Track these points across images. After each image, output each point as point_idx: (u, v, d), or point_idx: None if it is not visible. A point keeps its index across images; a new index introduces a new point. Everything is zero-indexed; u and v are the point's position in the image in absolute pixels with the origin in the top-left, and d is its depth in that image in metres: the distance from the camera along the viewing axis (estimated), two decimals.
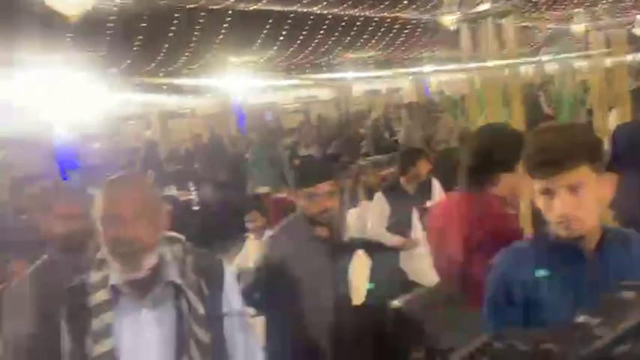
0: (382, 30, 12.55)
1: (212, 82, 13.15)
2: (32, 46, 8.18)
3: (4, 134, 12.60)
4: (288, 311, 1.95)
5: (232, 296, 1.35)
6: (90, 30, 8.30)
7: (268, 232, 4.08)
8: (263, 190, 6.62)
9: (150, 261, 1.21)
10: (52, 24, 7.64)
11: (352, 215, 4.10)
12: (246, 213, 4.05)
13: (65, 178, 10.04)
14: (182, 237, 1.34)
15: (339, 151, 9.09)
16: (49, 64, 8.73)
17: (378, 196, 3.39)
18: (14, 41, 7.97)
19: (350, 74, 16.80)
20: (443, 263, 1.98)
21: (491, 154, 1.72)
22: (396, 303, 1.26)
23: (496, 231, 1.58)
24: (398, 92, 21.02)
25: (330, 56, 14.72)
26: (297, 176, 2.00)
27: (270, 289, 1.98)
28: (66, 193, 1.70)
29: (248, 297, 2.04)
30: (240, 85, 13.45)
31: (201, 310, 1.23)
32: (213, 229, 6.29)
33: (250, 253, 4.01)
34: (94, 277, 1.24)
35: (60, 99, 9.29)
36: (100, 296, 1.22)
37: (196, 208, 7.40)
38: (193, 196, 7.63)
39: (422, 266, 3.30)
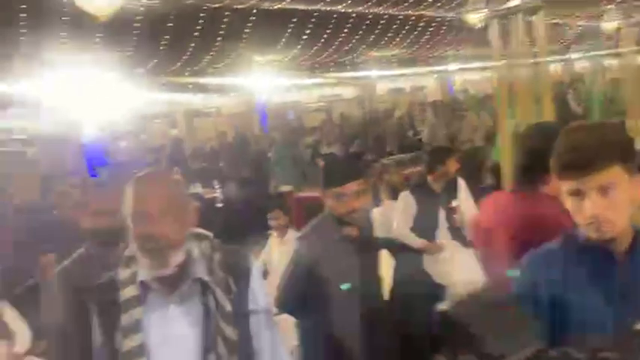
0: (406, 28, 12.45)
1: (236, 81, 13.25)
2: (62, 46, 8.38)
3: (35, 132, 12.95)
4: (320, 312, 1.93)
5: (259, 293, 1.35)
6: (118, 30, 8.46)
7: (291, 231, 4.11)
8: (285, 188, 6.65)
9: (177, 257, 1.21)
10: (81, 24, 7.82)
11: (375, 215, 4.07)
12: (269, 211, 4.07)
13: (93, 176, 10.26)
14: (210, 234, 1.34)
15: (362, 149, 9.05)
16: (78, 63, 8.92)
17: (405, 194, 3.33)
18: (45, 41, 8.17)
19: (374, 72, 16.73)
20: (493, 263, 1.92)
21: (544, 154, 1.67)
22: (442, 306, 1.23)
23: (549, 230, 1.53)
24: (422, 90, 20.82)
25: (354, 54, 14.68)
26: (324, 176, 1.97)
27: (301, 290, 1.96)
28: (102, 189, 1.72)
29: (281, 299, 2.03)
30: (264, 83, 13.52)
31: (228, 307, 1.23)
32: (236, 227, 6.34)
33: (273, 250, 4.03)
34: (123, 273, 1.26)
35: (89, 98, 9.49)
36: (129, 292, 1.23)
37: (220, 205, 7.46)
38: (218, 193, 7.71)
39: (447, 269, 3.26)
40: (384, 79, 18.95)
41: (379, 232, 3.93)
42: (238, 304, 1.26)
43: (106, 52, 9.38)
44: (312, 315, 1.96)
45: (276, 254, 3.98)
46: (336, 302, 1.90)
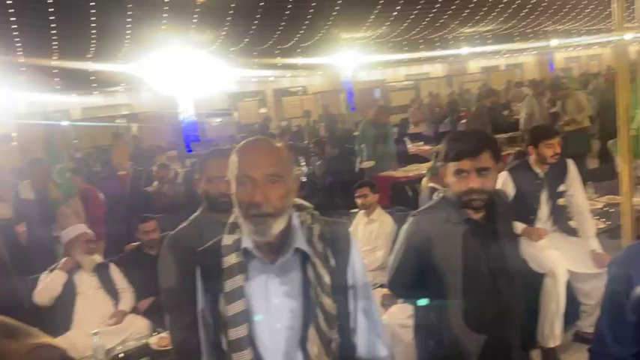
0: (504, 2, 11.67)
1: (324, 60, 13.27)
2: (162, 27, 8.85)
3: (137, 109, 13.95)
4: (435, 298, 1.79)
5: (358, 269, 1.30)
6: (213, 11, 8.76)
7: (379, 209, 4.06)
8: (369, 165, 6.59)
9: (279, 226, 1.19)
10: (180, 6, 8.19)
11: None
12: (356, 189, 4.04)
13: (189, 151, 10.87)
14: (310, 205, 1.33)
15: (451, 129, 8.71)
16: (177, 44, 9.38)
17: (503, 176, 3.07)
18: (147, 23, 8.67)
19: (465, 50, 15.98)
20: None
21: None
22: None
23: None
24: (519, 68, 19.59)
25: (445, 31, 14.08)
26: (446, 151, 1.76)
27: (412, 274, 1.82)
28: (218, 156, 1.74)
29: (392, 281, 1.90)
30: (351, 62, 13.42)
31: (327, 279, 1.21)
32: (322, 204, 6.40)
33: (359, 228, 4.01)
34: (227, 240, 1.25)
35: (186, 77, 9.99)
36: (232, 259, 1.22)
37: (305, 181, 7.56)
38: (303, 170, 7.81)
39: (546, 257, 3.03)
40: (477, 56, 18.05)
41: None
42: (337, 278, 1.23)
43: (202, 32, 9.77)
44: (429, 300, 1.80)
45: (362, 232, 3.95)
46: (452, 289, 1.73)
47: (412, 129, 9.63)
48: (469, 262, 1.73)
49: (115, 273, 3.49)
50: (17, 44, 8.52)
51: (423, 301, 1.84)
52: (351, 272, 1.29)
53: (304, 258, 1.24)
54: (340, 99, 14.71)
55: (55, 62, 9.85)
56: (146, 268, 3.69)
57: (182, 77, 9.93)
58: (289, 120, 14.45)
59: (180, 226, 1.87)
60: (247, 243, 1.23)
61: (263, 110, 15.60)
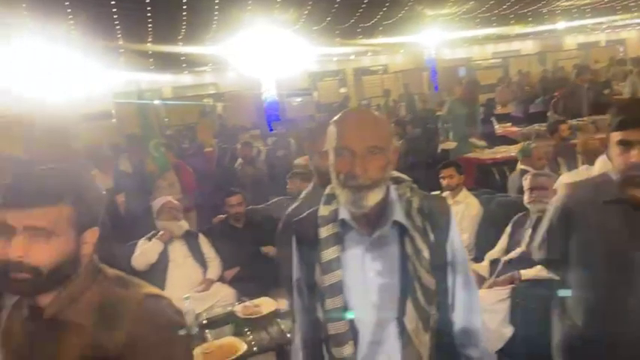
0: None
1: (406, 38, 12.91)
2: (248, 7, 9.03)
3: (223, 89, 14.46)
4: (583, 276, 1.60)
5: (457, 244, 1.26)
6: None
7: (464, 190, 3.91)
8: (452, 146, 6.35)
9: (375, 197, 1.17)
10: None
11: (563, 181, 3.64)
12: (441, 169, 3.92)
13: (271, 130, 11.14)
14: (408, 178, 1.30)
15: (543, 109, 8.16)
16: (261, 23, 9.55)
17: (603, 159, 2.84)
18: (232, 3, 8.89)
19: (562, 24, 14.82)
20: None
21: None
22: None
23: None
24: (621, 45, 17.89)
25: (539, 5, 13.12)
26: (610, 119, 1.54)
27: (562, 247, 1.65)
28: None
29: (543, 255, 1.72)
30: (434, 39, 12.95)
31: (426, 253, 1.17)
32: None
33: None
34: (324, 210, 1.25)
35: (268, 57, 10.17)
36: (329, 230, 1.22)
37: None
38: None
39: None
40: (574, 31, 16.70)
41: None
42: (435, 254, 1.19)
43: (286, 11, 9.85)
44: (575, 278, 1.63)
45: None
46: (594, 276, 1.54)
47: (499, 109, 9.16)
48: (619, 247, 1.52)
49: (204, 243, 3.67)
50: (117, 28, 9.10)
51: (564, 292, 1.68)
52: (450, 248, 1.24)
53: (402, 231, 1.21)
54: (423, 78, 14.28)
55: (149, 46, 10.42)
56: (232, 239, 3.86)
57: (265, 57, 10.12)
58: (369, 99, 14.29)
59: (294, 205, 1.88)
60: (344, 214, 1.22)
61: (343, 90, 15.54)
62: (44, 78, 7.43)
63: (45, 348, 1.03)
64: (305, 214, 1.33)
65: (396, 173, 1.28)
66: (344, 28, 11.81)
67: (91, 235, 1.08)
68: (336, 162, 1.20)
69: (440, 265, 1.21)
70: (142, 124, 5.26)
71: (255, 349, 2.48)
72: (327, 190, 1.28)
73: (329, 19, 10.93)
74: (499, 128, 7.85)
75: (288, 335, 2.61)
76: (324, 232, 1.23)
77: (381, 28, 12.43)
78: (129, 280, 1.14)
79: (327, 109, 13.00)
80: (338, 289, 1.20)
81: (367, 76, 15.98)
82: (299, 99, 13.61)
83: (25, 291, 1.01)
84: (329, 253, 1.21)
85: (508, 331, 2.74)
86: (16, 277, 0.98)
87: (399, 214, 1.21)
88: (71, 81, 7.93)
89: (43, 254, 0.99)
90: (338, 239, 1.22)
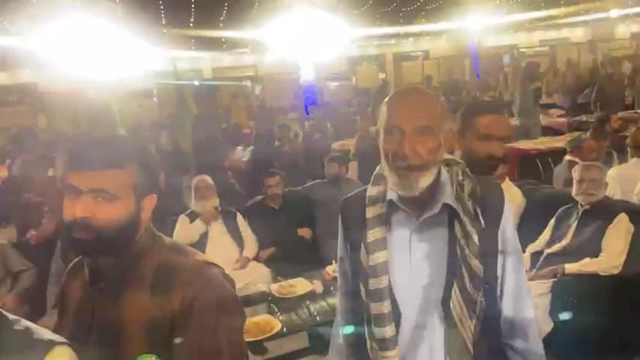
0: None
1: (449, 25, 12.56)
2: None
3: (262, 71, 14.52)
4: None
5: (509, 232, 1.19)
6: None
7: (507, 181, 3.79)
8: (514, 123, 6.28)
9: (426, 180, 1.13)
10: None
11: (612, 175, 3.50)
12: None
13: (307, 113, 11.13)
14: (461, 161, 1.24)
15: (592, 101, 7.84)
16: (301, 4, 9.48)
17: None
18: None
19: (615, 12, 14.10)
20: None
21: None
22: None
23: None
24: None
25: None
26: None
27: None
28: (489, 111, 1.66)
29: None
30: (478, 25, 12.55)
31: (476, 239, 1.13)
32: None
33: None
34: (372, 190, 1.22)
35: (307, 40, 10.11)
36: (376, 210, 1.20)
37: None
38: None
39: None
40: (628, 20, 15.88)
41: (615, 193, 3.37)
42: (486, 239, 1.14)
43: None
44: None
45: None
46: None
47: (545, 99, 8.86)
48: None
49: (241, 222, 3.71)
50: (160, 9, 9.21)
51: None
52: (502, 235, 1.19)
53: (452, 215, 1.17)
54: (465, 65, 13.93)
55: (192, 31, 10.51)
56: (268, 220, 3.88)
57: (304, 41, 10.06)
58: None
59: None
60: (392, 195, 1.19)
61: (382, 75, 15.33)
62: (91, 56, 7.62)
63: (105, 312, 1.06)
64: (353, 192, 1.31)
65: (448, 155, 1.24)
66: (385, 12, 11.59)
67: (150, 202, 1.10)
68: (384, 142, 1.17)
69: (490, 253, 1.16)
70: (178, 104, 5.34)
71: (284, 329, 2.50)
72: (377, 170, 1.25)
73: (370, 2, 10.75)
74: (544, 118, 7.60)
75: (318, 318, 2.64)
76: (371, 212, 1.21)
77: (423, 13, 12.13)
78: (186, 248, 1.16)
79: (365, 94, 12.87)
80: (383, 270, 1.18)
81: (407, 62, 15.69)
82: (337, 83, 13.52)
83: (87, 251, 1.04)
84: (375, 234, 1.19)
85: (547, 326, 2.66)
86: (80, 236, 1.01)
87: (449, 197, 1.16)
88: (116, 60, 8.10)
89: (106, 216, 1.01)
90: (385, 220, 1.20)
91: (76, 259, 1.19)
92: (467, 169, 1.22)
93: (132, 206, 1.05)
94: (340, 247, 1.33)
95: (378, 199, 1.22)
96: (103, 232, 1.01)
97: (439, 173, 1.18)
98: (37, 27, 6.93)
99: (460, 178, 1.18)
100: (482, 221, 1.15)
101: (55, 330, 1.07)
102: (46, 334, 0.91)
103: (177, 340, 1.03)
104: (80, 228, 1.00)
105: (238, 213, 3.78)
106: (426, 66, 15.11)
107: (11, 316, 1.00)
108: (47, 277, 3.17)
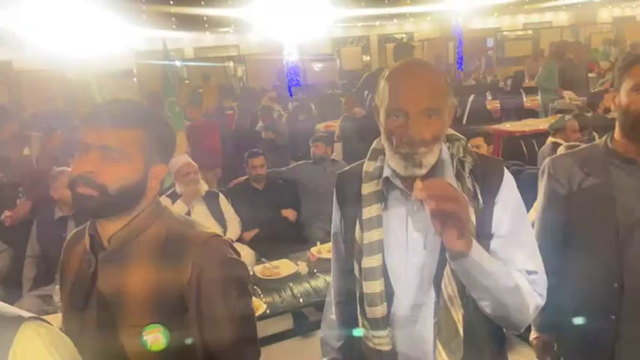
0: None
1: (434, 7, 12.45)
2: None
3: (245, 51, 14.27)
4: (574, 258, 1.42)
5: (504, 215, 1.12)
6: None
7: None
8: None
9: (430, 161, 1.07)
10: None
11: None
12: (469, 138, 3.81)
13: (291, 95, 10.99)
14: (463, 136, 1.17)
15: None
16: None
17: None
18: None
19: None
20: None
21: None
22: None
23: None
24: None
25: None
26: (624, 62, 1.36)
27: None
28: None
29: None
30: (463, 7, 12.48)
31: (473, 218, 1.07)
32: None
33: None
34: (368, 166, 1.18)
35: (291, 20, 9.93)
36: (372, 187, 1.15)
37: None
38: None
39: None
40: (609, 4, 15.96)
41: None
42: (482, 219, 1.09)
43: None
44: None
45: None
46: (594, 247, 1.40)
47: (529, 82, 8.91)
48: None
49: (224, 203, 3.65)
50: None
51: None
52: (497, 217, 1.12)
53: None
54: (449, 47, 13.88)
55: (172, 9, 10.22)
56: (252, 201, 3.83)
57: (289, 21, 9.89)
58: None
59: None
60: (388, 172, 1.14)
61: (366, 58, 15.22)
62: (68, 34, 7.38)
63: (107, 279, 1.04)
64: (349, 167, 1.26)
65: (449, 130, 1.17)
66: None
67: (159, 171, 1.08)
68: (386, 123, 1.09)
69: (485, 232, 1.11)
70: (164, 81, 5.20)
71: (267, 311, 2.47)
72: (374, 145, 1.20)
73: None
74: (528, 101, 7.64)
75: (301, 300, 2.61)
76: (367, 188, 1.16)
77: None
78: (193, 221, 1.15)
79: (349, 76, 12.77)
80: (377, 248, 1.14)
81: (391, 44, 15.57)
82: (321, 64, 13.37)
83: (89, 208, 1.01)
84: (370, 211, 1.15)
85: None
86: (84, 191, 0.99)
87: (449, 175, 1.11)
88: (96, 38, 7.87)
89: (112, 174, 1.00)
90: (381, 197, 1.15)
91: (75, 230, 1.18)
92: (469, 146, 1.17)
93: (139, 170, 1.04)
94: (334, 223, 1.30)
95: (374, 176, 1.17)
96: (107, 189, 1.00)
97: (440, 151, 1.12)
98: (11, 3, 6.67)
99: (461, 154, 1.13)
100: (481, 200, 1.11)
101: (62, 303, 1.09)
102: (14, 310, 0.86)
103: (187, 310, 1.03)
104: (84, 182, 0.99)
105: (220, 194, 3.72)
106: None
107: None
108: (23, 259, 3.08)
